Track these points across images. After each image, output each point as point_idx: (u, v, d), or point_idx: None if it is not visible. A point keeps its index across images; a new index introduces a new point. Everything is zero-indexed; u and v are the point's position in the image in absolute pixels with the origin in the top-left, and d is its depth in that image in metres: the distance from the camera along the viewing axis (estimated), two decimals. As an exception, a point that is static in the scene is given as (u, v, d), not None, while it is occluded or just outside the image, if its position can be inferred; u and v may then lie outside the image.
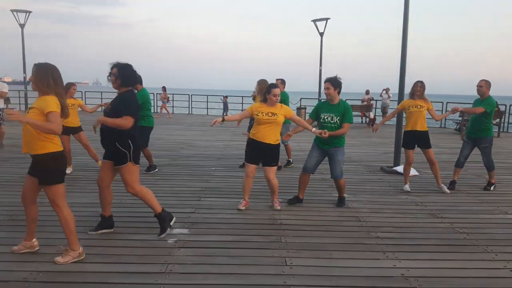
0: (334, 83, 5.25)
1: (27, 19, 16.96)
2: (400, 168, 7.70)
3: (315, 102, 18.40)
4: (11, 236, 4.11)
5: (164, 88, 19.94)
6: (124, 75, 4.03)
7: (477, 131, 6.46)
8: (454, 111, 6.77)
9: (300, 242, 4.15)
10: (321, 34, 17.33)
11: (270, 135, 5.02)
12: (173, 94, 23.63)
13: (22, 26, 16.84)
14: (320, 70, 17.33)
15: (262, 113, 4.99)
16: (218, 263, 3.64)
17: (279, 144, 5.14)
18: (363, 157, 9.53)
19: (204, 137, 12.53)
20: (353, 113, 18.43)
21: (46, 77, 3.31)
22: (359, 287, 3.30)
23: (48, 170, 3.38)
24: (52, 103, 3.25)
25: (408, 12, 7.60)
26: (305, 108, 17.97)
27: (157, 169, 7.43)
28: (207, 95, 23.66)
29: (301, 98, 20.39)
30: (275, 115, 4.96)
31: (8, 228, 4.34)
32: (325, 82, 5.33)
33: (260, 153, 5.09)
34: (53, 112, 3.22)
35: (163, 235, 4.20)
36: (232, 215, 4.97)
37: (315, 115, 5.38)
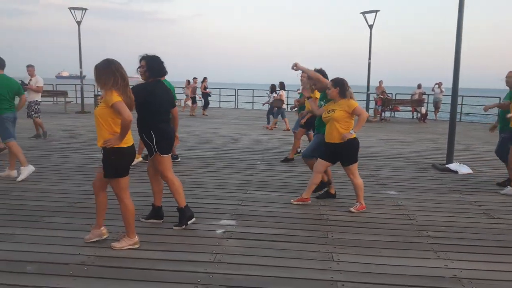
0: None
1: (83, 16, 17.77)
2: (453, 166, 7.38)
3: (364, 96, 18.01)
4: (70, 222, 4.38)
5: (188, 82, 20.41)
6: (152, 66, 4.14)
7: (506, 124, 6.18)
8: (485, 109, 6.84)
9: (348, 239, 4.11)
10: (371, 27, 16.88)
11: (331, 134, 4.88)
12: (219, 88, 23.97)
13: (78, 23, 17.64)
14: (369, 64, 16.90)
15: (325, 111, 4.97)
16: (265, 255, 3.68)
17: (347, 141, 4.79)
18: (414, 153, 9.24)
19: (248, 131, 12.64)
20: (403, 107, 18.10)
21: (102, 76, 3.44)
22: (408, 285, 3.22)
23: (111, 164, 3.55)
24: (112, 96, 3.40)
25: (464, 3, 7.24)
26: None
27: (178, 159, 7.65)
28: (253, 90, 23.77)
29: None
30: (333, 111, 4.85)
31: (68, 215, 4.61)
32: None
33: (330, 152, 4.99)
34: (116, 102, 3.37)
35: (177, 228, 4.25)
36: (278, 209, 4.99)
37: None
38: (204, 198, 5.33)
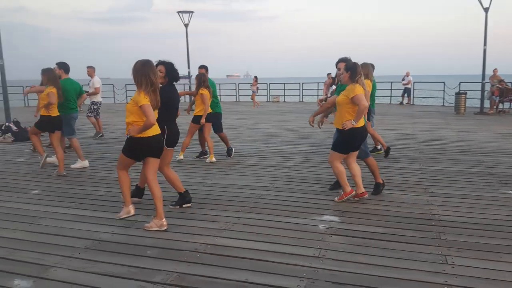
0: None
1: (190, 19, 18.93)
2: None
3: (478, 86, 16.43)
4: (182, 211, 4.71)
5: (255, 78, 20.43)
6: (170, 71, 4.60)
7: None
8: None
9: (463, 241, 3.79)
10: (486, 10, 15.30)
11: (336, 119, 4.83)
12: (317, 83, 23.79)
13: (186, 25, 18.85)
14: (485, 50, 15.37)
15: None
16: (371, 254, 3.56)
17: (344, 129, 4.64)
18: (539, 149, 8.19)
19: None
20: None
21: (136, 76, 3.90)
22: (538, 298, 2.88)
23: (128, 147, 4.07)
24: (141, 97, 3.85)
25: None
26: (465, 93, 16.12)
27: (233, 152, 7.72)
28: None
29: (460, 82, 18.43)
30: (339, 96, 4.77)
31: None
32: (338, 62, 5.07)
33: None
34: (143, 105, 3.82)
35: (172, 207, 4.73)
36: (382, 207, 4.80)
37: None
38: (305, 193, 5.34)
